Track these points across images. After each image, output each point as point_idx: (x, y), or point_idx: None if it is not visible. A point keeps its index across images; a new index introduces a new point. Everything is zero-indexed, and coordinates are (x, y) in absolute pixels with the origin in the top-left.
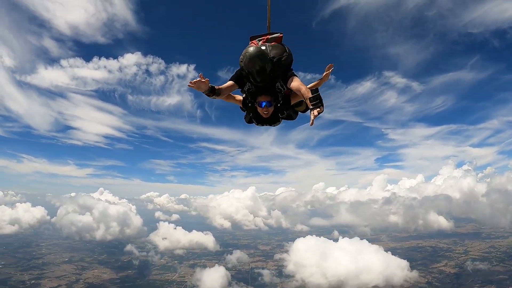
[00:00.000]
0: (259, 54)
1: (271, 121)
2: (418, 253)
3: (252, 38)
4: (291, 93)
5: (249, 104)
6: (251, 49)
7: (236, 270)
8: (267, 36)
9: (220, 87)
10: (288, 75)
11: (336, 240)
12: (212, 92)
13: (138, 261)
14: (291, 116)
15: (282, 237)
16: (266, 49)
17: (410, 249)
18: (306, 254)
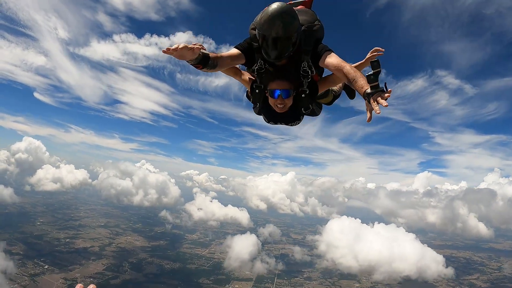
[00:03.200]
0: (286, 11)
1: (289, 118)
2: (451, 263)
3: None
4: (320, 79)
5: (257, 91)
6: (275, 4)
7: (267, 243)
8: (291, 2)
9: (217, 55)
10: (320, 51)
11: (371, 224)
12: (203, 62)
13: (171, 234)
14: (314, 112)
15: (315, 225)
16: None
17: (444, 257)
18: (339, 235)
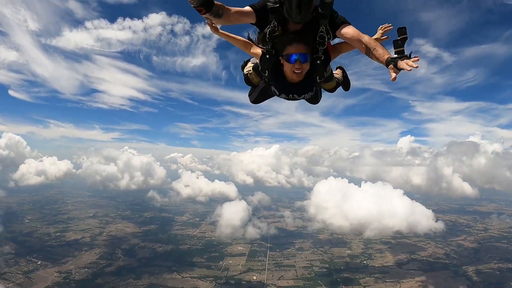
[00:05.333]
0: None
1: (302, 88)
2: (435, 234)
3: None
4: (332, 49)
5: (267, 56)
6: None
7: (257, 209)
8: None
9: (225, 6)
10: (338, 19)
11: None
12: (207, 6)
13: (161, 217)
14: (316, 95)
15: (303, 192)
16: None
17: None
18: (327, 197)
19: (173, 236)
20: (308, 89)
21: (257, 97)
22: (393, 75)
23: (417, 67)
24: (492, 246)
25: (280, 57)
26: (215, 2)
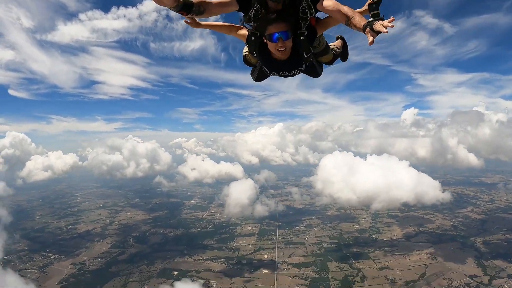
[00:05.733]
0: None
1: (290, 65)
2: (442, 204)
3: None
4: (317, 24)
5: (253, 38)
6: None
7: (264, 187)
8: None
9: (204, 0)
10: None
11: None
12: (186, 9)
13: (169, 203)
14: (314, 68)
15: (309, 169)
16: None
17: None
18: (333, 171)
19: (182, 220)
20: (297, 65)
21: (258, 75)
22: (370, 38)
23: (393, 26)
24: (499, 217)
25: (263, 38)
26: (194, 1)
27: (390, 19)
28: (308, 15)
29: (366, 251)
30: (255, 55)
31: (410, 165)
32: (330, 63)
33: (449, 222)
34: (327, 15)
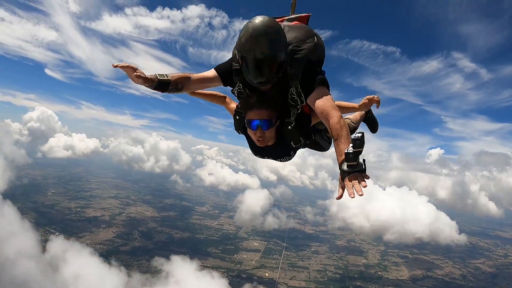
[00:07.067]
0: (268, 27)
1: (277, 152)
2: (456, 246)
3: None
4: (312, 111)
5: (237, 117)
6: (258, 19)
7: (279, 201)
8: (283, 18)
9: (183, 76)
10: (314, 81)
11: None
12: (162, 87)
13: (181, 205)
14: (318, 145)
15: (326, 193)
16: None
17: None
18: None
19: (191, 224)
20: (284, 153)
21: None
22: (339, 192)
23: (361, 194)
24: (510, 272)
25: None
26: (172, 79)
27: (366, 178)
28: (299, 103)
29: (370, 287)
30: (239, 134)
31: (429, 201)
32: (320, 149)
33: (458, 271)
34: None
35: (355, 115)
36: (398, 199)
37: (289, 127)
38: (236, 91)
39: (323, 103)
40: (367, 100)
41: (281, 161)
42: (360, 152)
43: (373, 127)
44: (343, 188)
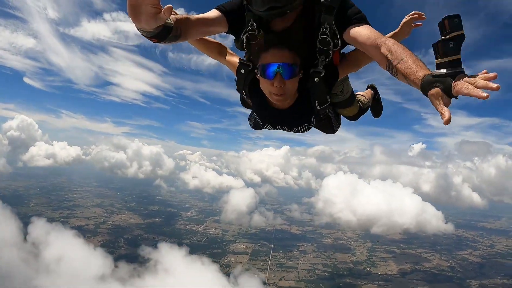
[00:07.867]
0: None
1: (294, 117)
2: (443, 239)
3: None
4: (341, 61)
5: (242, 71)
6: None
7: (264, 201)
8: None
9: (183, 17)
10: (350, 16)
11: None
12: (161, 36)
13: (166, 212)
14: (329, 123)
15: (311, 192)
16: None
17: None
18: (335, 191)
19: (177, 230)
20: (303, 119)
21: (255, 123)
22: (446, 115)
23: (498, 88)
24: (497, 262)
25: (256, 71)
26: (173, 25)
27: (490, 75)
28: (331, 46)
29: (359, 283)
30: (244, 95)
31: (413, 192)
32: (353, 118)
33: (446, 263)
34: (354, 48)
35: (366, 92)
36: (383, 192)
37: (316, 79)
38: (246, 35)
39: (370, 31)
40: (409, 18)
41: (297, 131)
42: (464, 38)
43: (378, 111)
44: (446, 102)
